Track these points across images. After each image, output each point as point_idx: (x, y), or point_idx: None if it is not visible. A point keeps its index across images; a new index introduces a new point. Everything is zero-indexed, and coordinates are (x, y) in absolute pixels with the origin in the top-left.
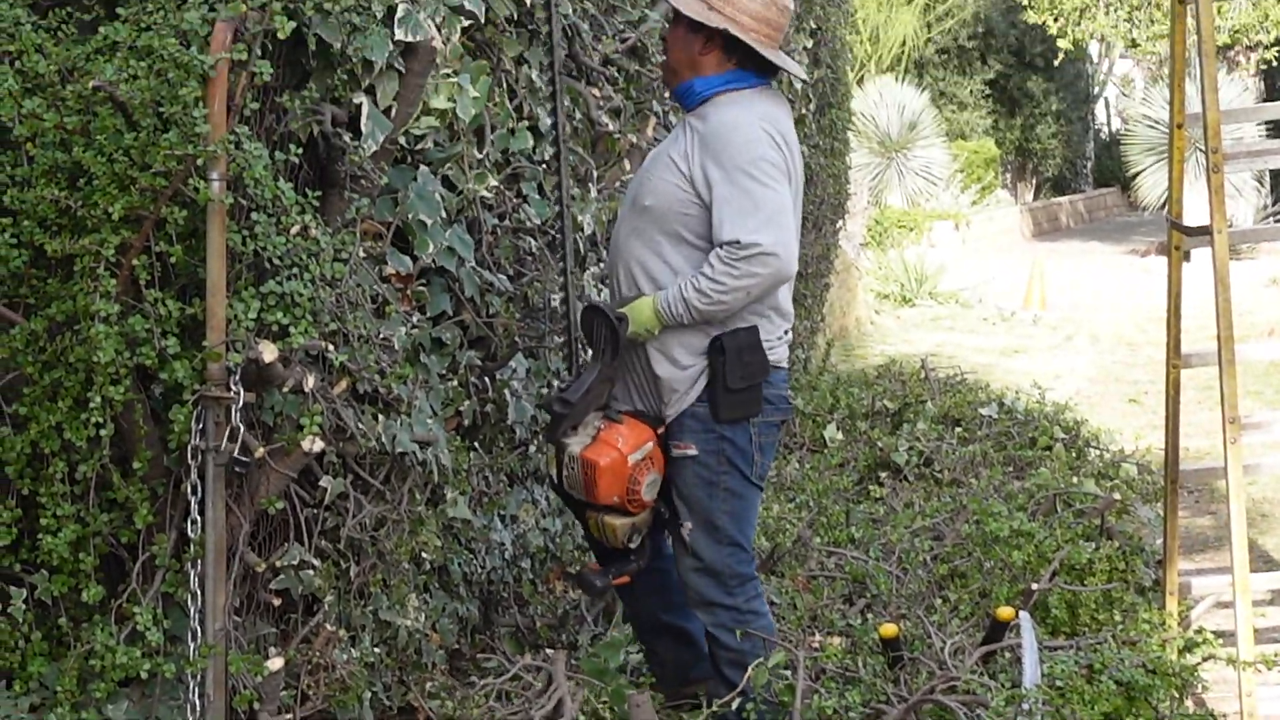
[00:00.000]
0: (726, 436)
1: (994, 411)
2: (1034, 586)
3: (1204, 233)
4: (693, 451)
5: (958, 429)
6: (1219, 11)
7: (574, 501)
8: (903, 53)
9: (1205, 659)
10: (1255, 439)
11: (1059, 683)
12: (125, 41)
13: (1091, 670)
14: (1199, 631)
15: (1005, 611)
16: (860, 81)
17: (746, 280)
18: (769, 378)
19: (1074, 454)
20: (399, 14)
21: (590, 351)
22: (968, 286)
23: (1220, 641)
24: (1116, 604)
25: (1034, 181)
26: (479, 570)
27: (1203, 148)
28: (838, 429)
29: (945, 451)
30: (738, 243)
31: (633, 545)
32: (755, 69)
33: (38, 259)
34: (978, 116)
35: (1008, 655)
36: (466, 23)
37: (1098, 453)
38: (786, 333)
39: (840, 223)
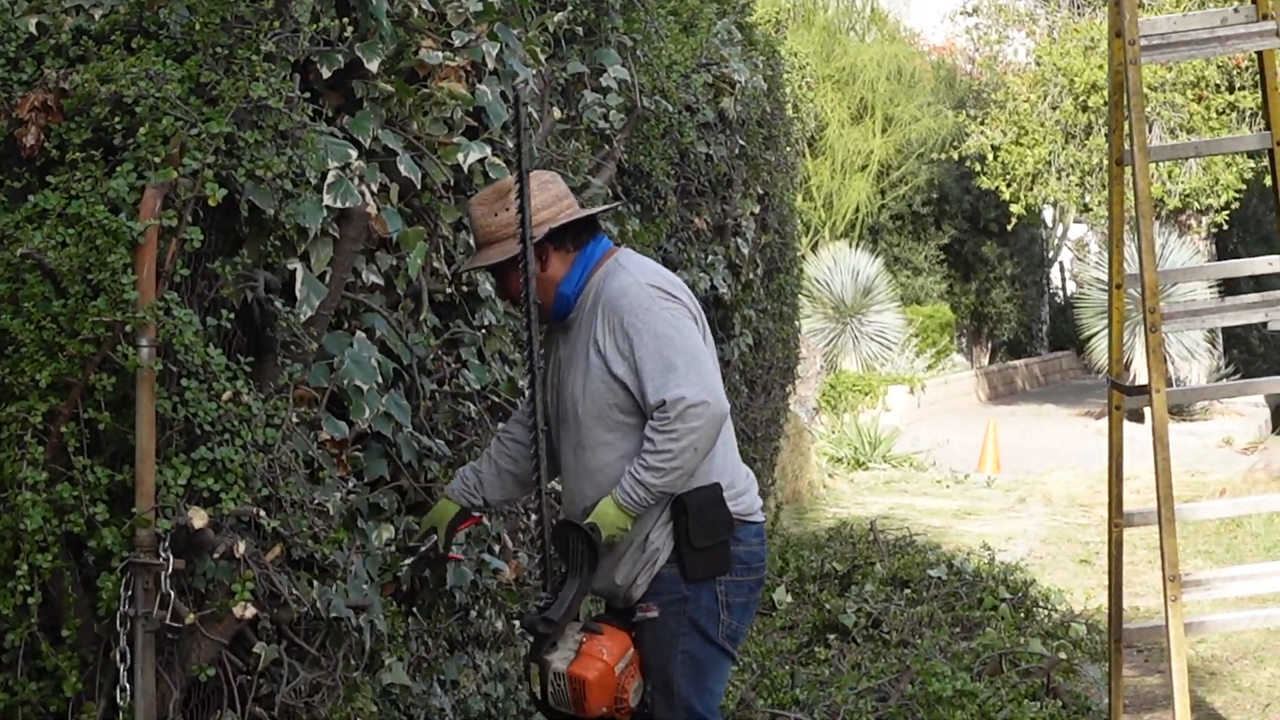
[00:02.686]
0: (689, 596)
1: (943, 573)
2: None
3: (1143, 392)
4: (654, 614)
5: (906, 590)
6: (1170, 176)
7: (558, 716)
8: (857, 219)
9: None
10: (1198, 596)
11: None
12: (55, 209)
13: None
14: None
15: None
16: (815, 247)
17: (689, 437)
18: (736, 534)
19: (1022, 614)
20: (330, 180)
21: (566, 566)
22: (922, 450)
23: None
24: None
25: (989, 345)
26: None
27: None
28: (787, 591)
29: (893, 613)
30: (664, 404)
31: None
32: (589, 236)
33: None
34: (932, 281)
35: None
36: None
37: (1046, 612)
38: (751, 482)
39: (790, 386)
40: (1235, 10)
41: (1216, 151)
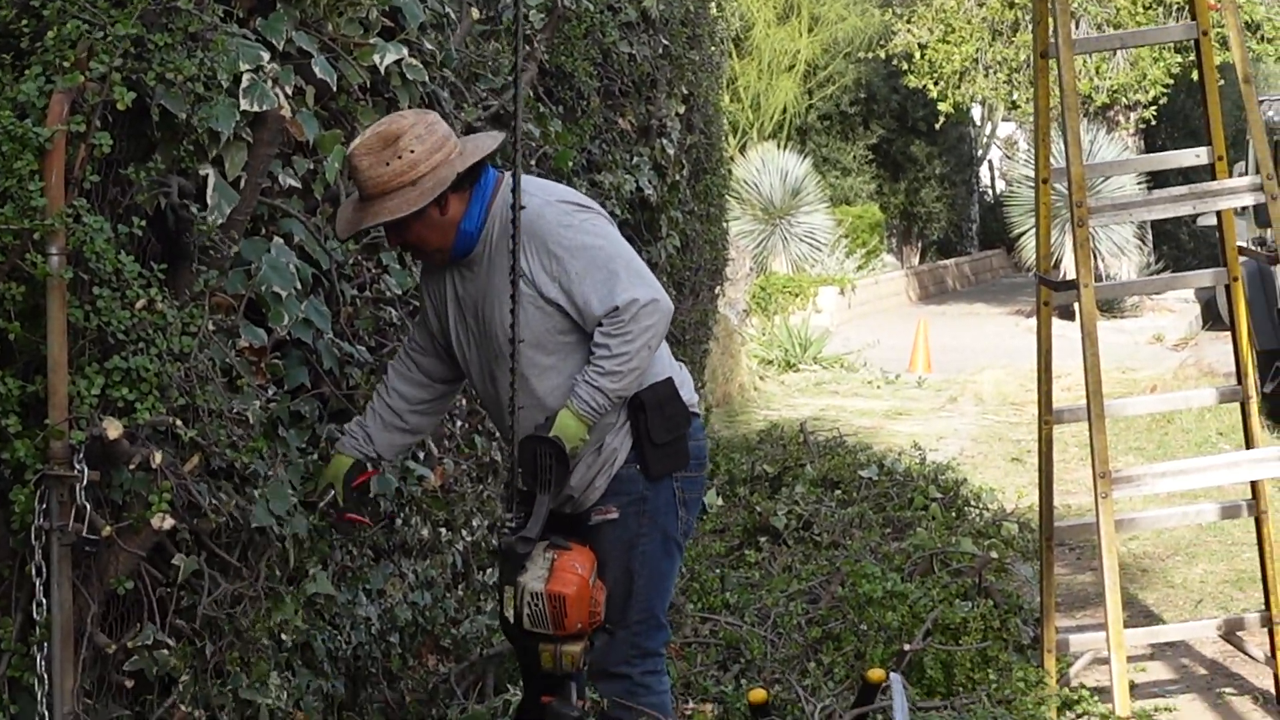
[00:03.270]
0: (648, 496)
1: (874, 473)
2: (906, 647)
3: (1070, 287)
4: (613, 515)
5: (837, 491)
6: (1098, 72)
7: (523, 638)
8: (784, 120)
9: (1081, 716)
10: (1128, 493)
11: None
12: None
13: None
14: (1074, 689)
15: (876, 673)
16: (743, 149)
17: (643, 337)
18: (691, 428)
19: (953, 514)
20: (244, 84)
21: (533, 483)
22: (853, 351)
23: (1098, 698)
24: (992, 663)
25: (919, 245)
26: (344, 646)
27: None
28: (717, 494)
29: (824, 514)
30: (616, 309)
31: (583, 667)
32: (479, 168)
33: None
34: (861, 182)
35: (880, 718)
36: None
37: (977, 512)
38: (687, 376)
39: (718, 288)
40: None
41: (1142, 43)
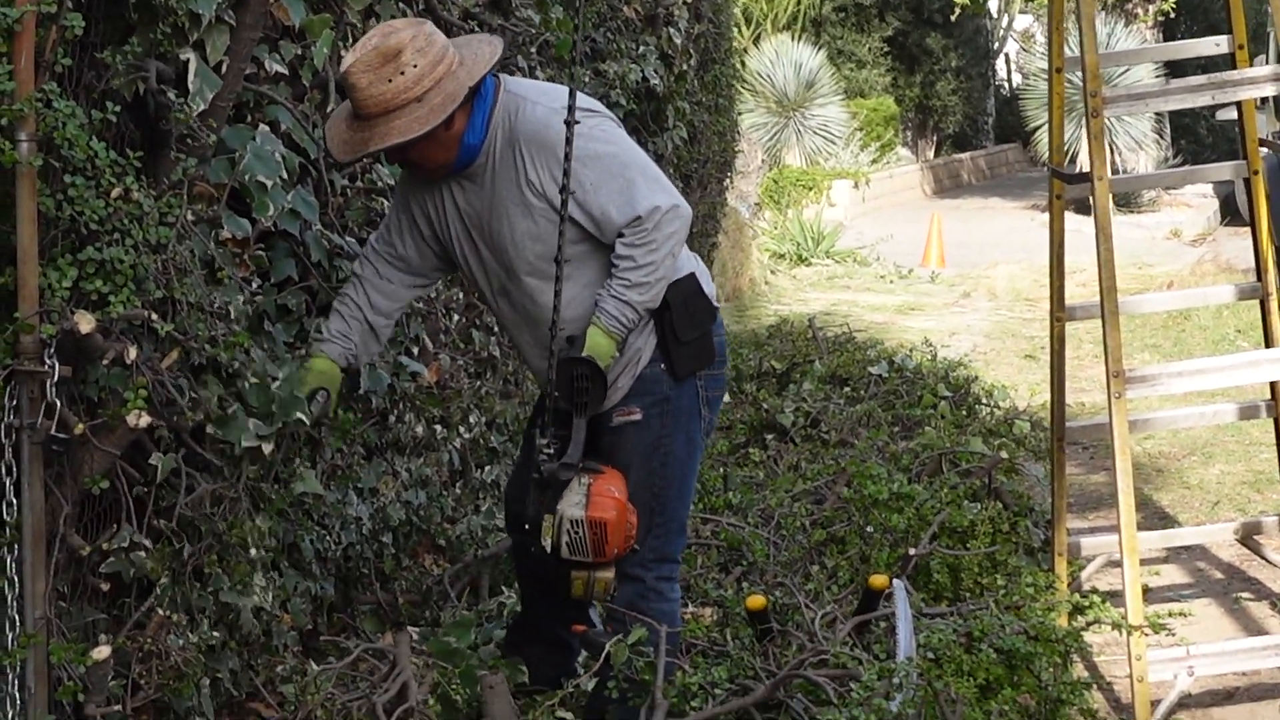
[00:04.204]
0: (671, 396)
1: (884, 370)
2: (911, 552)
3: (1084, 179)
4: (637, 416)
5: (845, 389)
6: None
7: (551, 569)
8: (799, 11)
9: (1092, 622)
10: (1143, 393)
11: (935, 653)
12: None
13: (971, 638)
14: (1085, 594)
15: (878, 579)
16: (756, 40)
17: (668, 244)
18: (714, 324)
19: (964, 412)
20: None
21: (568, 404)
22: (866, 245)
23: (1109, 603)
24: (1001, 567)
25: (935, 139)
26: (333, 547)
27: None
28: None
29: (832, 412)
30: (638, 219)
31: (614, 593)
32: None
33: None
34: (876, 74)
35: (883, 625)
36: None
37: (988, 410)
38: (705, 270)
39: (727, 181)
40: None
41: None
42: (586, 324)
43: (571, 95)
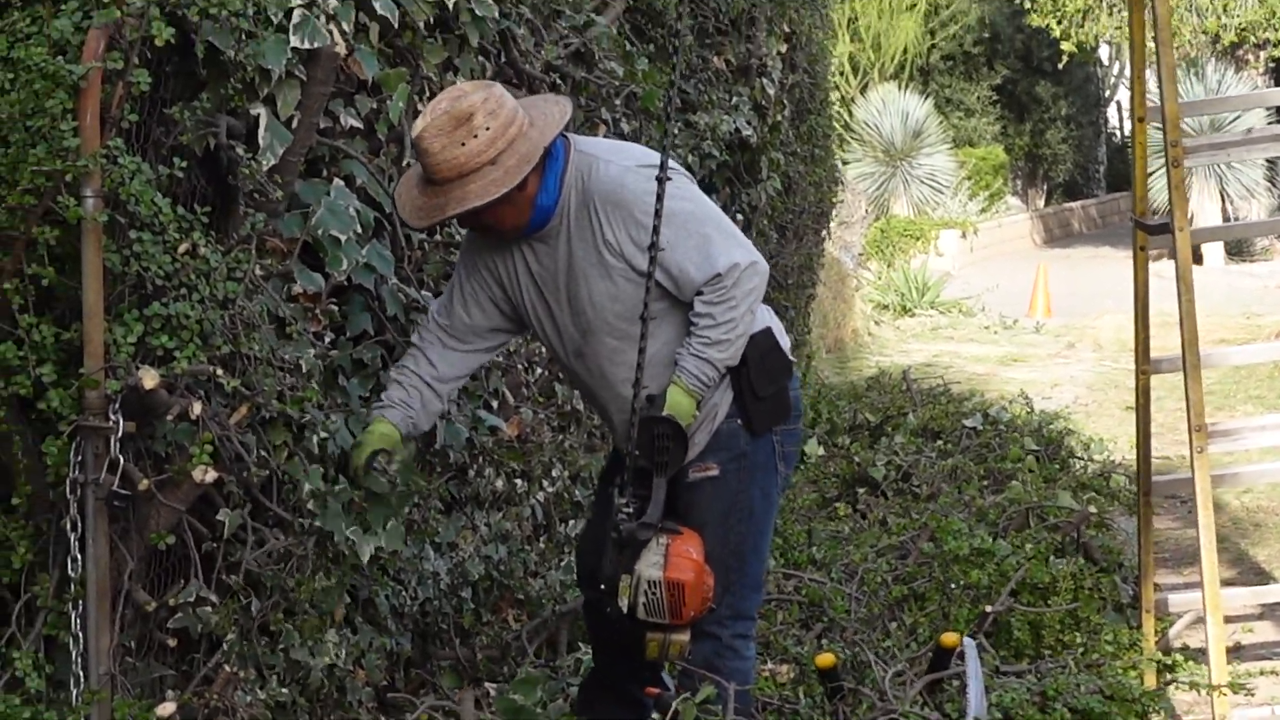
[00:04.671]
0: (748, 451)
1: (978, 422)
2: (988, 609)
3: (1165, 230)
4: (714, 472)
5: (938, 441)
6: (1225, 9)
7: (626, 630)
8: (906, 60)
9: (1170, 682)
10: (1225, 447)
11: (1008, 712)
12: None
13: (1045, 697)
14: (1169, 652)
15: (949, 638)
16: (864, 90)
17: (747, 300)
18: (790, 379)
19: (1056, 465)
20: (295, 20)
21: (651, 464)
22: (972, 295)
23: (1195, 661)
24: (1084, 624)
25: (1045, 187)
26: (410, 602)
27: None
28: (818, 444)
29: (924, 465)
30: (718, 276)
31: (688, 656)
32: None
33: None
34: (985, 123)
35: (956, 684)
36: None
37: (1083, 463)
38: (780, 325)
39: (824, 231)
40: None
41: None
42: (665, 381)
43: (664, 151)
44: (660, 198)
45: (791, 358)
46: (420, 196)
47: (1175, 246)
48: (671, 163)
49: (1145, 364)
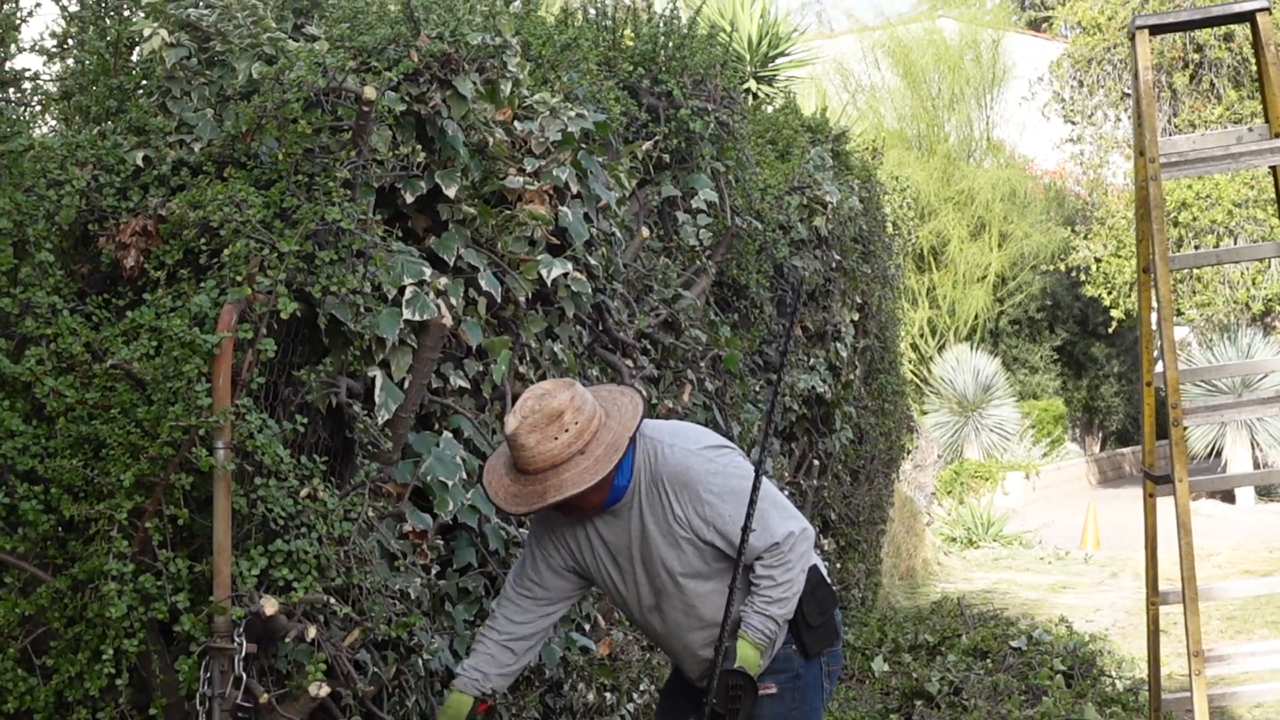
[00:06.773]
0: (801, 673)
1: (1023, 643)
2: None
3: (1168, 481)
4: (772, 690)
5: (987, 659)
6: (1254, 283)
7: None
8: (977, 324)
9: None
10: (1220, 670)
11: None
12: (146, 324)
13: None
14: None
15: None
16: (940, 349)
17: (800, 562)
18: (835, 607)
19: (1087, 682)
20: (407, 295)
21: (725, 711)
22: (1031, 529)
23: None
24: None
25: (1100, 434)
26: None
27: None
28: (884, 660)
29: (973, 681)
30: (776, 545)
31: None
32: None
33: (64, 522)
34: (1047, 379)
35: None
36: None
37: (1113, 680)
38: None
39: (893, 475)
40: (1250, 130)
41: (1235, 260)
42: (719, 614)
43: (772, 407)
44: (758, 478)
45: (834, 587)
46: (514, 485)
47: (1176, 495)
48: (726, 441)
49: (1155, 596)
